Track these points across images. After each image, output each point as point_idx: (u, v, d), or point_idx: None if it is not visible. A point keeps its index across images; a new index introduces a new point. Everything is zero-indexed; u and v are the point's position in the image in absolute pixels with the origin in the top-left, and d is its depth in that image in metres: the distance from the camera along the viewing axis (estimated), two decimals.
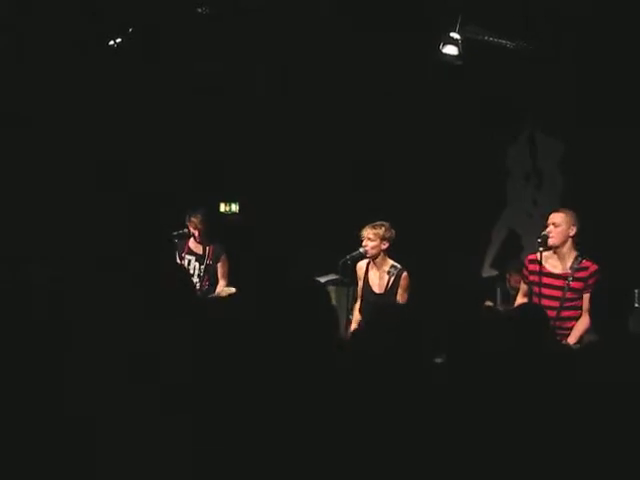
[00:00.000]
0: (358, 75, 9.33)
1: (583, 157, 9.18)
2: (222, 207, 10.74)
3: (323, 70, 9.45)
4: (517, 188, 10.12)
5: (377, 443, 3.42)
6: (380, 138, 9.90)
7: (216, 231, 8.51)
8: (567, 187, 9.60)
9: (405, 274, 7.28)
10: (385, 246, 7.28)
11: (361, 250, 7.26)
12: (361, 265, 7.42)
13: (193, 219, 8.30)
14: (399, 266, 7.31)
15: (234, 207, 10.76)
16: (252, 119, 10.08)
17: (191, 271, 8.20)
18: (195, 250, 8.37)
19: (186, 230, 8.30)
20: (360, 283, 7.43)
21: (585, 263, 6.53)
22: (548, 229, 6.62)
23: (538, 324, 4.60)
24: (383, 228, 7.26)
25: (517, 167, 10.11)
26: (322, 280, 8.95)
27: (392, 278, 7.26)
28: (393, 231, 7.30)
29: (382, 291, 7.30)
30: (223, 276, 8.30)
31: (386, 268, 7.31)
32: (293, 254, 9.92)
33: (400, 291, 7.26)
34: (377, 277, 7.35)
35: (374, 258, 7.30)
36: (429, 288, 8.42)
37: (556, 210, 6.80)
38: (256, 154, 10.24)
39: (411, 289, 7.29)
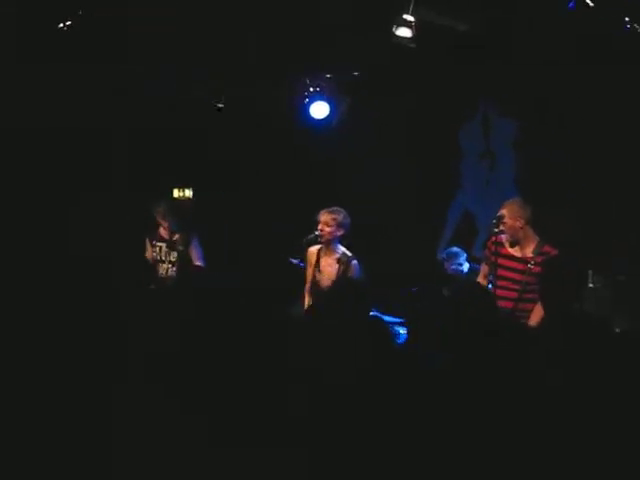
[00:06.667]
0: (305, 53, 9.24)
1: (537, 137, 9.23)
2: (175, 193, 10.68)
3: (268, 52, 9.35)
4: (471, 169, 10.16)
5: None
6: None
7: (184, 219, 8.56)
8: (520, 167, 9.66)
9: (355, 262, 7.26)
10: (340, 232, 7.26)
11: (316, 233, 7.24)
12: (312, 250, 7.38)
13: (158, 211, 8.43)
14: (350, 254, 7.29)
15: (187, 192, 10.71)
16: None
17: (162, 257, 8.38)
18: (165, 237, 8.46)
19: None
20: (310, 269, 7.39)
21: (546, 248, 6.62)
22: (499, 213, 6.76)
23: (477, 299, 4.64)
24: (341, 214, 7.25)
25: (471, 148, 10.14)
26: None
27: (342, 266, 7.22)
28: (349, 219, 7.29)
29: (332, 279, 7.20)
30: (198, 259, 8.32)
31: (337, 255, 7.28)
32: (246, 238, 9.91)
33: None
34: (328, 264, 7.32)
35: (328, 244, 7.28)
36: (382, 271, 8.45)
37: (502, 206, 6.85)
38: (209, 140, 10.19)
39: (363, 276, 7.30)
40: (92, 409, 3.52)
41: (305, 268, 7.46)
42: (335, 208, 7.29)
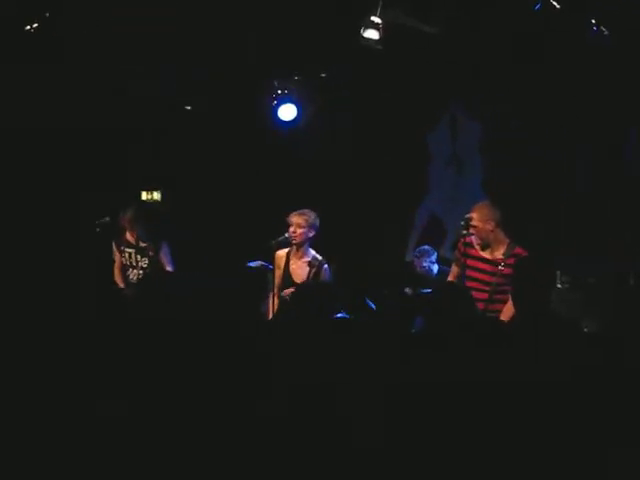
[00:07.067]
0: (276, 56, 9.21)
1: (502, 139, 9.29)
2: (144, 195, 10.61)
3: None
4: (438, 172, 10.19)
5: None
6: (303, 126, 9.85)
7: (153, 226, 8.36)
8: (487, 169, 9.71)
9: (326, 266, 7.22)
10: (311, 234, 7.22)
11: (287, 235, 7.19)
12: (281, 254, 7.30)
13: (125, 218, 8.21)
14: (320, 258, 7.24)
15: (156, 195, 10.64)
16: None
17: (133, 263, 8.22)
18: (133, 242, 8.26)
19: (108, 218, 8.17)
20: (279, 272, 7.30)
21: (517, 250, 6.64)
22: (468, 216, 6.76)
23: (460, 301, 4.66)
24: (312, 215, 7.21)
25: (438, 152, 10.17)
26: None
27: (313, 270, 7.18)
28: (318, 220, 7.26)
29: (302, 282, 7.15)
30: (168, 264, 8.21)
31: (307, 259, 7.24)
32: (215, 240, 9.88)
33: None
34: (298, 267, 7.27)
35: (299, 246, 7.24)
36: (351, 274, 8.45)
37: (471, 210, 6.84)
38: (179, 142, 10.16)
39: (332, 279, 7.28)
40: (70, 417, 3.49)
41: (273, 271, 7.40)
42: (305, 210, 7.24)
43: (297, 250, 7.25)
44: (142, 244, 8.21)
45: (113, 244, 8.33)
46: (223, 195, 10.23)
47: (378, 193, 9.96)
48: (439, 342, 4.18)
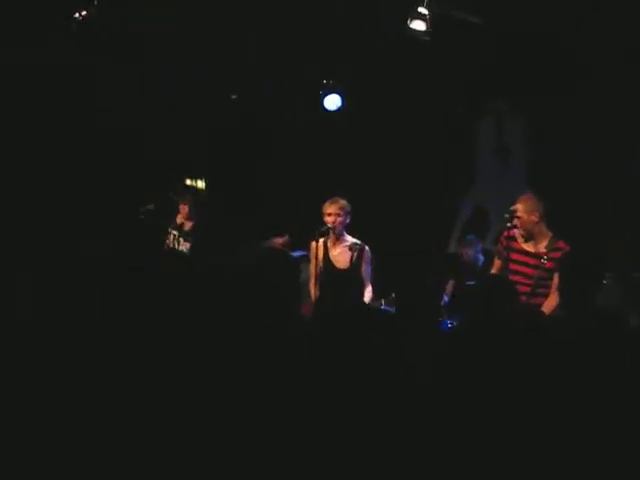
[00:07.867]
0: (320, 44, 9.20)
1: (549, 132, 9.24)
2: (188, 182, 10.64)
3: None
4: (484, 164, 10.16)
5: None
6: (345, 114, 9.84)
7: (203, 209, 8.52)
8: (532, 162, 9.67)
9: (367, 248, 7.31)
10: (348, 220, 7.31)
11: (329, 226, 7.24)
12: (317, 244, 7.35)
13: (185, 195, 8.42)
14: (360, 242, 7.32)
15: (200, 183, 10.67)
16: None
17: (175, 246, 8.32)
18: (180, 225, 8.41)
19: (151, 207, 8.27)
20: (314, 262, 7.34)
21: (560, 244, 6.61)
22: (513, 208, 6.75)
23: (504, 294, 4.64)
24: (345, 202, 7.28)
25: (484, 143, 10.14)
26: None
27: (355, 253, 7.26)
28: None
29: (346, 267, 7.28)
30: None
31: (347, 244, 7.32)
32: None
33: (364, 265, 7.28)
34: (339, 254, 7.34)
35: (338, 234, 7.29)
36: (396, 266, 8.45)
37: (516, 201, 6.82)
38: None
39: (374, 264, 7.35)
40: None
41: (309, 261, 7.45)
42: (336, 198, 7.30)
43: (336, 238, 7.31)
44: (186, 227, 8.31)
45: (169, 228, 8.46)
46: (267, 185, 10.26)
47: (423, 184, 9.93)
48: (482, 333, 4.17)
